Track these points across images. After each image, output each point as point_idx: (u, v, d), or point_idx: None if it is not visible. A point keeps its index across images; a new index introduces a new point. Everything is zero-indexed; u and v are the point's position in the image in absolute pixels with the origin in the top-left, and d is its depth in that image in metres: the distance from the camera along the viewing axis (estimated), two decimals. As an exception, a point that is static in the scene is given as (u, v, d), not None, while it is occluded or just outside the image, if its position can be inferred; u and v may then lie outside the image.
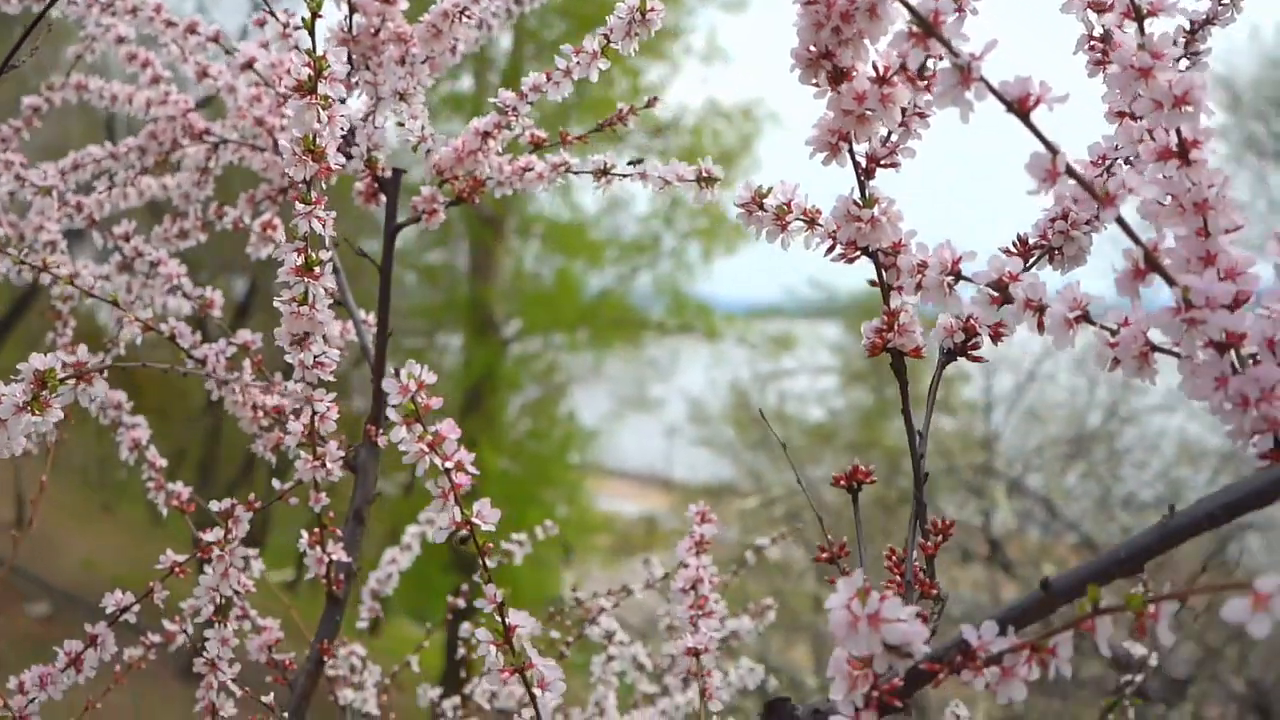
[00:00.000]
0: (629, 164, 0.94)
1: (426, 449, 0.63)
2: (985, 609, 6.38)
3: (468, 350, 11.49)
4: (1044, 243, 0.71)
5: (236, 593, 0.99)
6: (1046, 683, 0.51)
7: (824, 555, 0.53)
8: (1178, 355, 0.56)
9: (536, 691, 0.66)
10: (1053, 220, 0.71)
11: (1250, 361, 0.53)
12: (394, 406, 0.62)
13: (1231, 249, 0.55)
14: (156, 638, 1.12)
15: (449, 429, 0.63)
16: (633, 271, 11.97)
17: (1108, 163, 0.72)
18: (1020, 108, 0.52)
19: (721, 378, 10.71)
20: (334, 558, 0.99)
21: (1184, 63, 0.74)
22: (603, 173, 0.95)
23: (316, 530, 0.98)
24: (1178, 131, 0.55)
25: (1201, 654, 6.01)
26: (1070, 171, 0.52)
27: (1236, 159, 9.30)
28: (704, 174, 0.84)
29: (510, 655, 0.66)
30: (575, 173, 0.97)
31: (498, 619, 0.66)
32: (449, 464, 0.63)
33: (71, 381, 0.67)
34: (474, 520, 0.64)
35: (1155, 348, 0.56)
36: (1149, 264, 0.52)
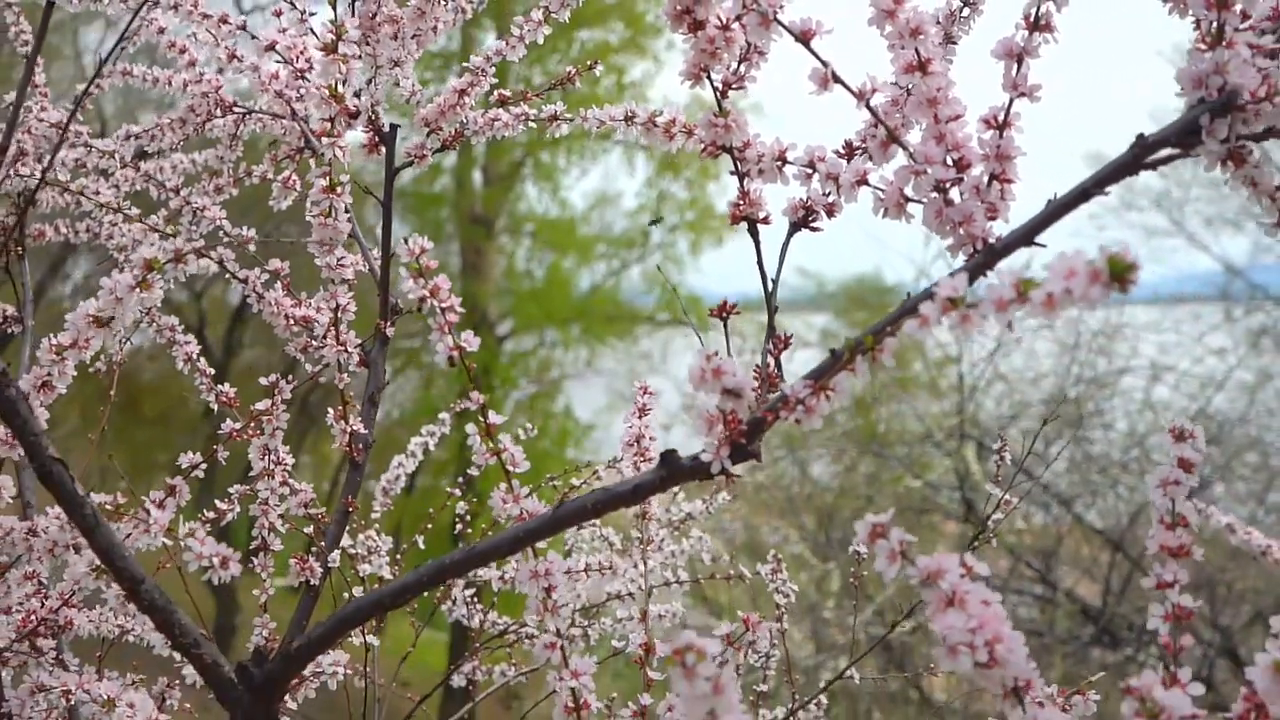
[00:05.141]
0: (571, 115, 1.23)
1: (428, 294, 0.90)
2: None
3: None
4: (862, 145, 0.98)
5: (277, 463, 1.26)
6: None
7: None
8: (921, 202, 0.83)
9: (509, 467, 0.94)
10: (869, 128, 0.98)
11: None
12: (404, 263, 0.89)
13: (957, 131, 0.83)
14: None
15: (444, 281, 0.91)
16: (623, 266, 12.26)
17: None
18: (804, 38, 0.80)
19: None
20: (354, 429, 1.26)
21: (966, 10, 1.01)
22: (554, 118, 1.24)
23: (340, 407, 1.25)
24: (916, 51, 0.83)
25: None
26: (835, 78, 0.79)
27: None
28: (629, 114, 1.12)
29: (490, 443, 0.94)
30: (533, 121, 1.25)
31: (481, 418, 0.94)
32: (444, 304, 0.90)
33: (171, 264, 0.94)
34: (462, 344, 0.92)
35: (908, 198, 0.84)
36: (890, 138, 0.80)
